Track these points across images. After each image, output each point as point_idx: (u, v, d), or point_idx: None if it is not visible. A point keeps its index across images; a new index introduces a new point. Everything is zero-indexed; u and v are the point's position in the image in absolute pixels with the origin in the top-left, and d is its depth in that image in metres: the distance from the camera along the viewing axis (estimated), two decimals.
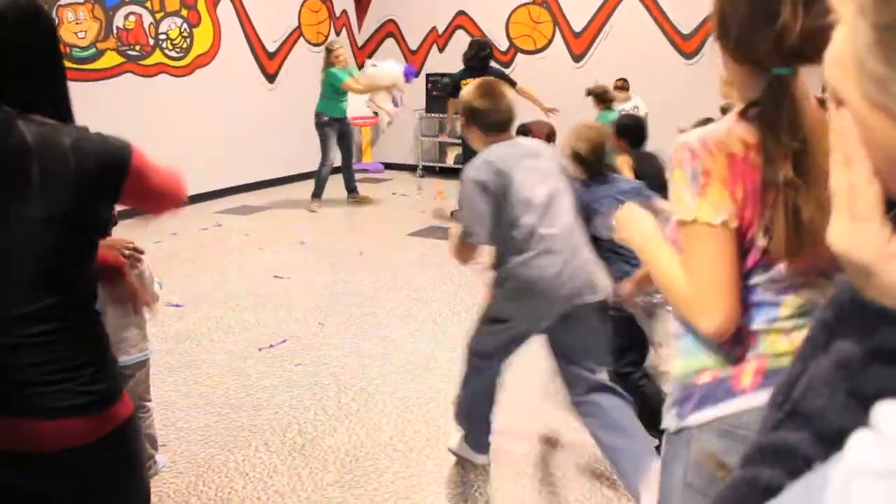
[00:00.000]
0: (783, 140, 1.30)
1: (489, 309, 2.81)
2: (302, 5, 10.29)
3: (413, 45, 11.15)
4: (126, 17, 7.98)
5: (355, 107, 11.02)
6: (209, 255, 6.54)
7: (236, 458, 3.25)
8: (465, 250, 2.74)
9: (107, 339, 1.50)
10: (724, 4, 1.34)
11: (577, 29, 9.93)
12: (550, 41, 10.12)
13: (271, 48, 9.85)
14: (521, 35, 10.14)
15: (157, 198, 1.58)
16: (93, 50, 7.59)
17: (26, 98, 1.38)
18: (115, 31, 7.87)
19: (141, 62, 8.15)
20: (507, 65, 10.02)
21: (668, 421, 1.48)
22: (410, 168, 11.13)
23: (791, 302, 1.39)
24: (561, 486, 3.03)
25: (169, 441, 3.33)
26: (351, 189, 8.84)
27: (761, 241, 1.35)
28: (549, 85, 8.76)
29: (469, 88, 2.83)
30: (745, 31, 1.32)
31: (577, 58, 9.99)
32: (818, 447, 0.49)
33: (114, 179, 1.44)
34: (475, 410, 3.01)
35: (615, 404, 2.69)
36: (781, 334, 1.39)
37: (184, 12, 8.58)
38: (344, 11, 11.14)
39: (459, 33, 10.71)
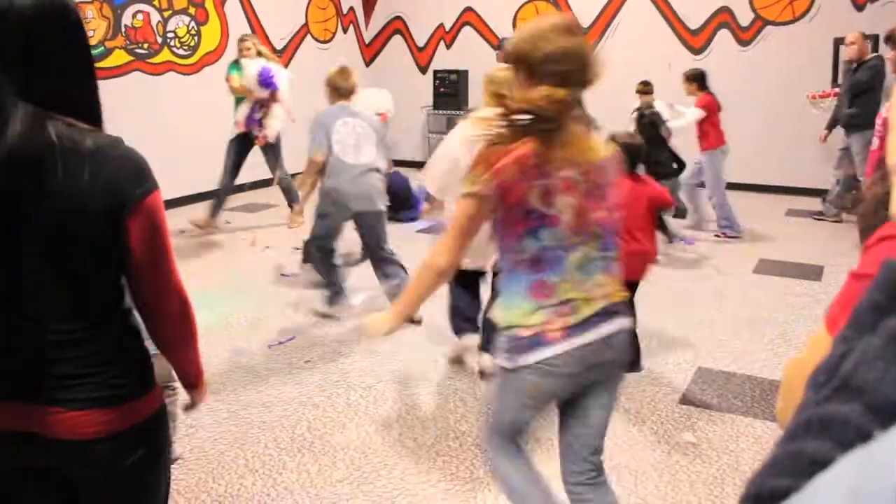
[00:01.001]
0: (555, 140, 1.95)
1: (319, 207, 4.72)
2: (309, 3, 10.29)
3: (420, 42, 11.14)
4: (134, 15, 8.00)
5: (365, 104, 11.02)
6: (217, 252, 6.56)
7: (246, 454, 3.26)
8: (308, 165, 4.63)
9: (137, 335, 1.53)
10: (533, 52, 1.95)
11: (585, 25, 9.90)
12: None
13: (279, 46, 9.85)
14: None
15: (161, 261, 1.47)
16: (101, 48, 7.61)
17: (58, 99, 1.39)
18: (123, 29, 7.89)
19: (149, 60, 8.17)
20: None
21: (502, 361, 2.05)
22: (418, 165, 11.13)
23: (574, 258, 1.96)
24: None
25: (179, 438, 3.34)
26: (216, 206, 7.32)
27: (541, 206, 1.93)
28: None
29: (333, 70, 4.77)
30: (548, 65, 1.94)
31: None
32: (870, 418, 0.49)
33: (128, 191, 1.40)
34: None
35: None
36: (571, 285, 1.96)
37: (191, 10, 8.60)
38: (351, 9, 11.14)
39: (467, 30, 10.70)
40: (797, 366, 0.93)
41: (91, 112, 1.44)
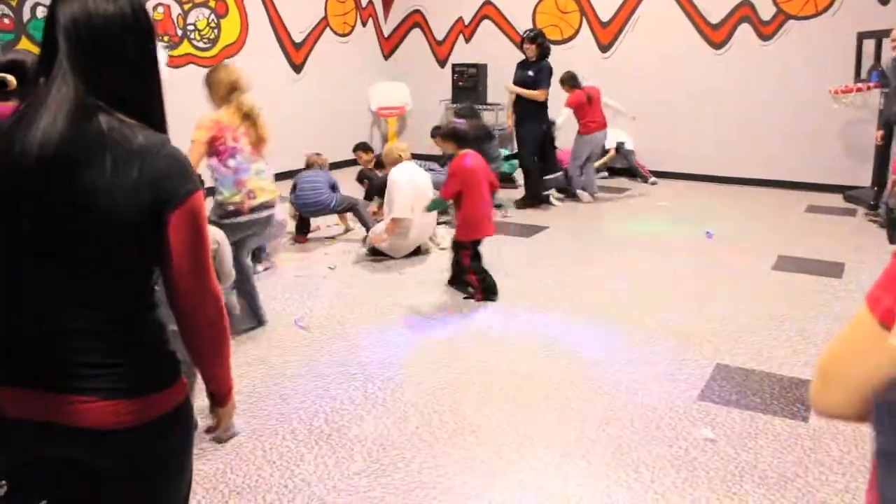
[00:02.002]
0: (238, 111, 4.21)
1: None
2: None
3: (439, 36, 11.12)
4: (154, 8, 8.04)
5: (383, 97, 11.03)
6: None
7: (263, 445, 3.28)
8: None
9: (162, 329, 1.54)
10: (214, 81, 4.29)
11: (605, 19, 9.85)
12: (577, 31, 10.05)
13: (298, 39, 9.88)
14: (548, 25, 10.07)
15: (199, 262, 1.48)
16: None
17: (118, 99, 1.41)
18: None
19: (169, 53, 8.20)
20: None
21: (216, 219, 4.05)
22: (436, 158, 11.11)
23: (254, 168, 4.23)
24: (588, 476, 3.02)
25: (196, 430, 3.36)
26: None
27: (232, 144, 4.14)
28: None
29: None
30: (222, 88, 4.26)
31: (605, 48, 9.91)
32: None
33: (170, 189, 1.42)
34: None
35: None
36: (253, 182, 4.22)
37: (211, 3, 8.63)
38: (370, 2, 11.14)
39: (486, 23, 10.67)
40: (839, 344, 0.92)
41: (149, 115, 1.47)
